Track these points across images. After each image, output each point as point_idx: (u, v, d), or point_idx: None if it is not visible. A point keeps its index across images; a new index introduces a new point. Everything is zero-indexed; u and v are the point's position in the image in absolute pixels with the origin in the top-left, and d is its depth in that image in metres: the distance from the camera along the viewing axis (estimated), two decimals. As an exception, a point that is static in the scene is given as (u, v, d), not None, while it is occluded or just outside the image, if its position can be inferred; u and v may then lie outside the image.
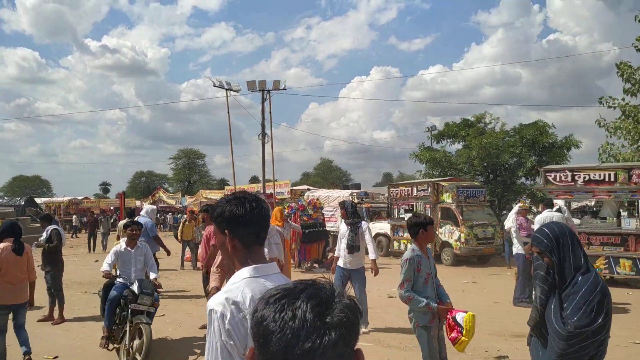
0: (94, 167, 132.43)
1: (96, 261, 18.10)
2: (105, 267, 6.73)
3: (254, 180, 53.79)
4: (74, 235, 32.10)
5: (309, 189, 28.67)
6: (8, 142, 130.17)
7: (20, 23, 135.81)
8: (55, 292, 8.86)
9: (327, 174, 69.29)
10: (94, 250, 21.93)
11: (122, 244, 6.92)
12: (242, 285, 1.75)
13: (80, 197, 46.58)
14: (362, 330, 7.54)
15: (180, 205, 44.05)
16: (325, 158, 76.49)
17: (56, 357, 6.78)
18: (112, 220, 29.90)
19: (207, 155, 72.82)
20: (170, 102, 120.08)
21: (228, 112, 22.23)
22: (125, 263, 6.82)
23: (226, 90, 21.95)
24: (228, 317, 1.66)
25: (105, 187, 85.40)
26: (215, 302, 1.71)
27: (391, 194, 19.14)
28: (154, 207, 14.32)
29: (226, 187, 38.77)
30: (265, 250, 4.29)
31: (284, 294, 1.00)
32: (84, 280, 13.30)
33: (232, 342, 1.63)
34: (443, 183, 17.65)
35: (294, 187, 30.65)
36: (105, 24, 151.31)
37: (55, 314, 8.82)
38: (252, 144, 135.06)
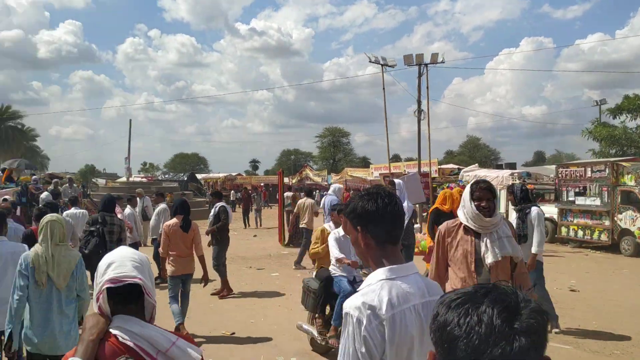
0: (243, 145, 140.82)
1: (254, 236, 18.92)
2: (337, 253, 5.86)
3: (396, 158, 52.96)
4: (234, 210, 33.87)
5: (459, 168, 27.25)
6: (169, 122, 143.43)
7: (179, 11, 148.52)
8: (216, 267, 9.13)
9: (474, 152, 66.04)
10: (248, 225, 22.89)
11: (340, 230, 5.96)
12: (378, 289, 1.70)
13: (234, 174, 49.56)
14: (554, 331, 6.63)
15: (327, 183, 44.84)
16: (472, 135, 72.92)
17: (233, 333, 6.88)
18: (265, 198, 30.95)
19: (350, 134, 73.36)
20: (313, 82, 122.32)
21: (383, 89, 21.68)
22: (344, 251, 5.87)
23: (382, 65, 21.40)
24: (364, 323, 1.63)
25: (254, 164, 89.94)
26: (351, 306, 1.68)
27: (560, 175, 17.31)
28: (341, 186, 14.34)
29: (371, 166, 38.54)
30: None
31: (466, 298, 0.98)
32: (247, 255, 13.81)
33: (363, 350, 1.62)
34: (624, 164, 15.54)
35: (441, 166, 29.40)
36: (254, 7, 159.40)
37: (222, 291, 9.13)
38: (391, 121, 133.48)
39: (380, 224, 1.82)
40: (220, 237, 9.36)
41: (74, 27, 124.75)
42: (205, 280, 7.22)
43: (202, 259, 7.15)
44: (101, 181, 46.60)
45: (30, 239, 5.65)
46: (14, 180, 17.46)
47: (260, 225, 22.98)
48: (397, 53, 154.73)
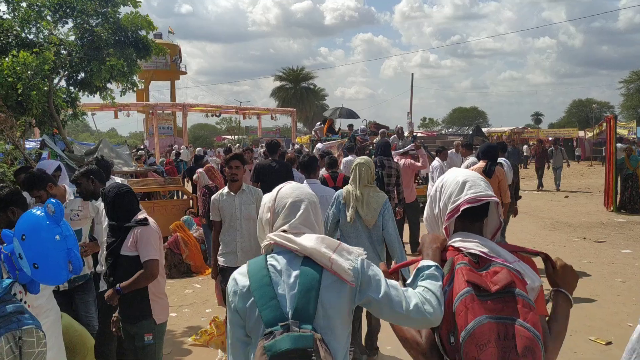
0: (522, 98, 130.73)
1: (566, 197, 15.78)
2: None
3: None
4: (525, 166, 30.11)
5: None
6: (444, 77, 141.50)
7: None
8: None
9: None
10: (542, 187, 18.67)
11: None
12: None
13: (520, 127, 45.18)
14: None
15: (635, 136, 37.20)
16: None
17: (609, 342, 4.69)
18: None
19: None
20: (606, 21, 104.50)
21: None
22: None
23: None
24: None
25: (537, 118, 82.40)
26: None
27: None
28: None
29: None
30: None
31: None
32: (572, 222, 11.13)
33: None
34: None
35: None
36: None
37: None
38: None
39: None
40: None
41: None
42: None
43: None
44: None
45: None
46: (335, 131, 16.62)
47: (559, 187, 18.75)
48: None
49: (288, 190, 1.79)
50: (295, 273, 1.59)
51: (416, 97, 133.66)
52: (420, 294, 1.59)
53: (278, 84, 56.16)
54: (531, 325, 1.51)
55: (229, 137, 49.68)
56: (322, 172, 6.49)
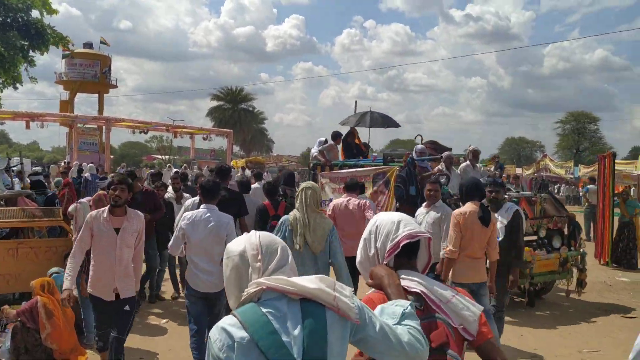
0: (454, 134, 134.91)
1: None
2: None
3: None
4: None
5: None
6: (381, 110, 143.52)
7: (395, 0, 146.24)
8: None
9: None
10: None
11: None
12: None
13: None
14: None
15: (572, 176, 37.67)
16: None
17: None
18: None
19: (600, 119, 61.99)
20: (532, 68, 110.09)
21: None
22: None
23: None
24: None
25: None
26: None
27: None
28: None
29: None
30: None
31: None
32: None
33: None
34: None
35: None
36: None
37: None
38: (623, 110, 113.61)
39: None
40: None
41: (298, 21, 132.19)
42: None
43: None
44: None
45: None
46: (362, 150, 12.53)
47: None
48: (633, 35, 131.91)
49: (268, 235, 1.71)
50: (298, 317, 1.52)
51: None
52: (408, 331, 1.62)
53: (215, 103, 53.59)
54: None
55: (160, 156, 46.57)
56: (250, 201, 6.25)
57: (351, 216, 6.07)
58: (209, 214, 4.43)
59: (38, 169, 11.61)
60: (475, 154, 8.40)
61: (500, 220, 5.33)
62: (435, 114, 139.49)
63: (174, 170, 13.13)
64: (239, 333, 1.46)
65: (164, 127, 34.29)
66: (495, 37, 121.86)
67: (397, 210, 6.97)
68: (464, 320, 1.82)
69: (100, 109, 40.73)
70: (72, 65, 39.24)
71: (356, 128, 10.69)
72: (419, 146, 8.55)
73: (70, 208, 5.21)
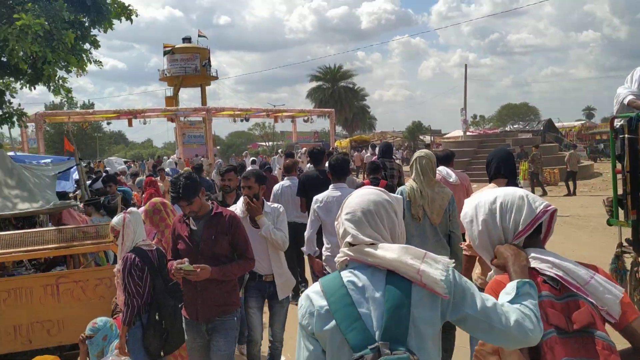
0: (565, 93, 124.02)
1: None
2: None
3: None
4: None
5: None
6: (484, 76, 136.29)
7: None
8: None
9: None
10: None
11: None
12: None
13: (590, 121, 39.95)
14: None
15: None
16: None
17: None
18: None
19: None
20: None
21: None
22: None
23: None
24: None
25: (589, 112, 76.87)
26: None
27: None
28: None
29: None
30: None
31: None
32: None
33: None
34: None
35: None
36: None
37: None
38: None
39: None
40: None
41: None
42: None
43: None
44: (427, 138, 43.47)
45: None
46: None
47: None
48: None
49: (355, 199, 1.60)
50: (379, 289, 1.43)
51: (456, 97, 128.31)
52: (519, 309, 1.46)
53: (314, 84, 52.32)
54: None
55: (264, 143, 46.41)
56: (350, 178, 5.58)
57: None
58: (339, 194, 4.29)
59: (124, 167, 10.58)
60: None
61: None
62: (544, 74, 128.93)
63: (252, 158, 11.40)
64: (320, 301, 1.45)
65: (264, 113, 33.49)
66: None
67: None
68: (604, 303, 1.57)
69: (204, 102, 41.00)
70: (173, 61, 39.84)
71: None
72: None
73: (114, 221, 3.61)
